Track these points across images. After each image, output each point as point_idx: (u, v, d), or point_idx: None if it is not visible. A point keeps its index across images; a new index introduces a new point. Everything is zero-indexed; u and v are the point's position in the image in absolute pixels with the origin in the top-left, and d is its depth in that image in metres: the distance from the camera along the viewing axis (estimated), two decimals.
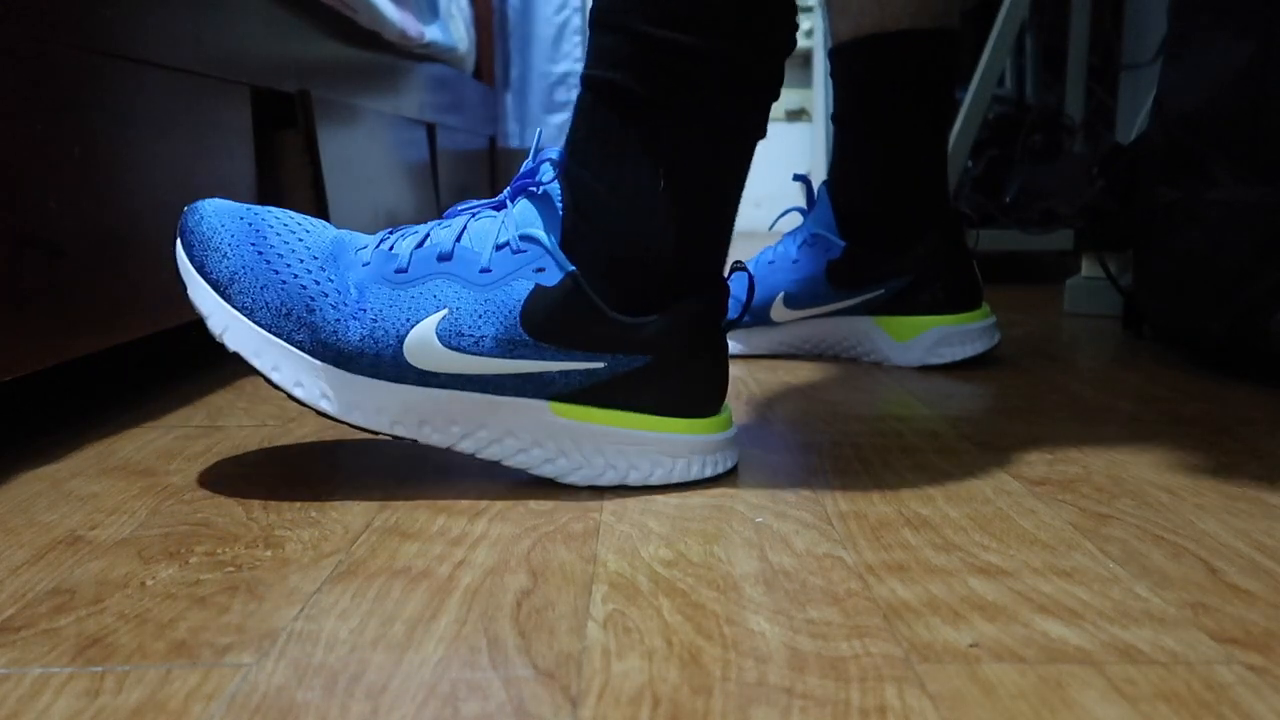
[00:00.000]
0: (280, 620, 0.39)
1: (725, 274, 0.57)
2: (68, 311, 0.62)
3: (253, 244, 0.53)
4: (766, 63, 0.54)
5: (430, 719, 0.32)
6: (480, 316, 0.52)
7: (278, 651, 0.36)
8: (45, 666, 0.35)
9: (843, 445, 0.63)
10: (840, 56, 0.90)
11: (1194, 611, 0.39)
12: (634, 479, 0.54)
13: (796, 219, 0.95)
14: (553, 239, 0.52)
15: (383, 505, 0.52)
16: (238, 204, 0.55)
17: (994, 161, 1.71)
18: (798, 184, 0.97)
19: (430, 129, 1.61)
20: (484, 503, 0.52)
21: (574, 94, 2.81)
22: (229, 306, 0.52)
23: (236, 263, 0.52)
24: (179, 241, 0.54)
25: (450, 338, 0.52)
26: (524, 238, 0.52)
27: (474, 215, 0.55)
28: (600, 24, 0.54)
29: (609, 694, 0.33)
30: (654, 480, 0.54)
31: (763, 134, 0.56)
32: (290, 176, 1.02)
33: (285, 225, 0.54)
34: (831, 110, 0.93)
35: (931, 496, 0.53)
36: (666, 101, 0.52)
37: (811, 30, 2.79)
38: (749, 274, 0.58)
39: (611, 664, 0.35)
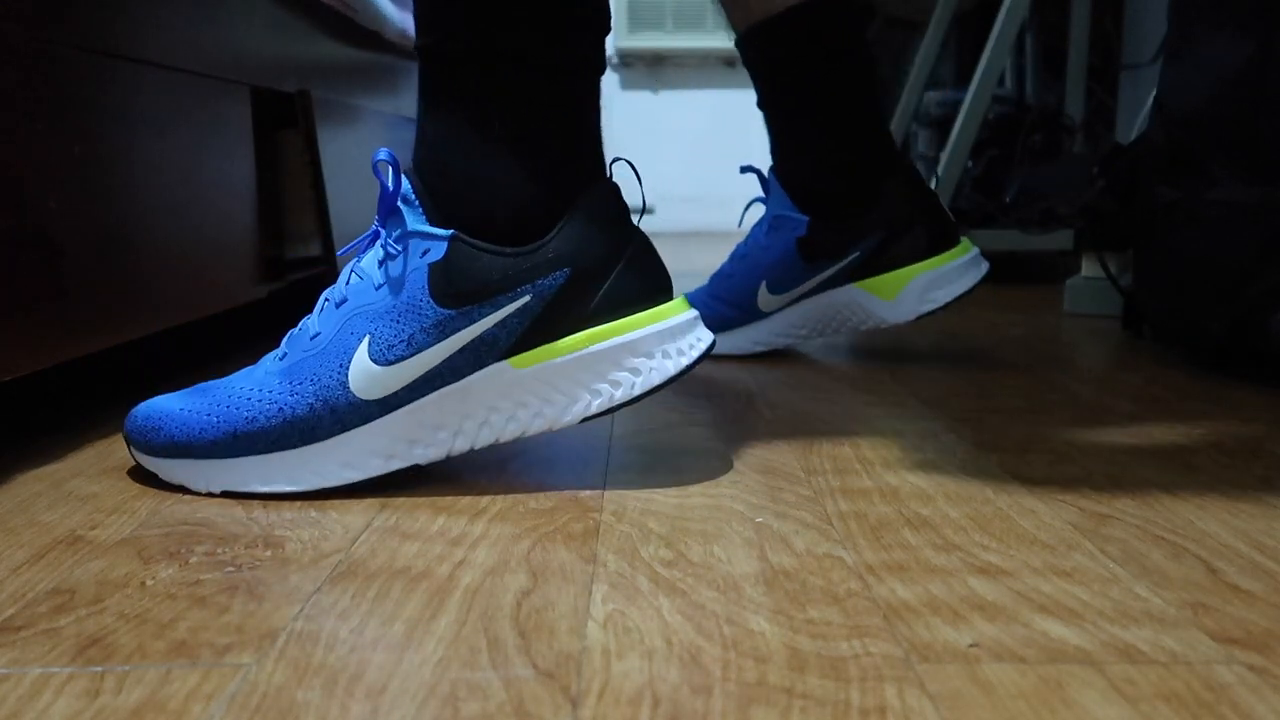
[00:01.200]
0: (280, 620, 0.39)
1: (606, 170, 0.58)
2: (68, 311, 0.62)
3: (180, 409, 0.55)
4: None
5: (430, 719, 0.32)
6: (397, 322, 0.53)
7: (278, 651, 0.36)
8: (45, 666, 0.35)
9: (843, 445, 0.63)
10: (744, 46, 0.90)
11: (1194, 611, 0.39)
12: (620, 396, 0.54)
13: (760, 210, 0.95)
14: (423, 220, 0.53)
15: (383, 505, 0.52)
16: (166, 395, 0.57)
17: (994, 161, 1.71)
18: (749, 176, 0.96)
19: None
20: (484, 502, 0.52)
21: None
22: (191, 461, 0.54)
23: (171, 428, 0.54)
24: (129, 448, 0.57)
25: (383, 353, 0.53)
26: (397, 238, 0.54)
27: (358, 259, 0.56)
28: None
29: (609, 694, 0.33)
30: (638, 389, 0.54)
31: (599, 66, 0.57)
32: (290, 176, 1.02)
33: (204, 387, 0.57)
34: (756, 100, 0.93)
35: (931, 496, 0.53)
36: (490, 50, 0.53)
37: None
38: (631, 165, 0.58)
39: (611, 664, 0.35)
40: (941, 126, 1.81)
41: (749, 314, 0.92)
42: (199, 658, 0.36)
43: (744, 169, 0.95)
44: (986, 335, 1.08)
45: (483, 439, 0.54)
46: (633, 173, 0.59)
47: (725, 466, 0.58)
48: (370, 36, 1.27)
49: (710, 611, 0.39)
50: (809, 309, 0.91)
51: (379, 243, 0.55)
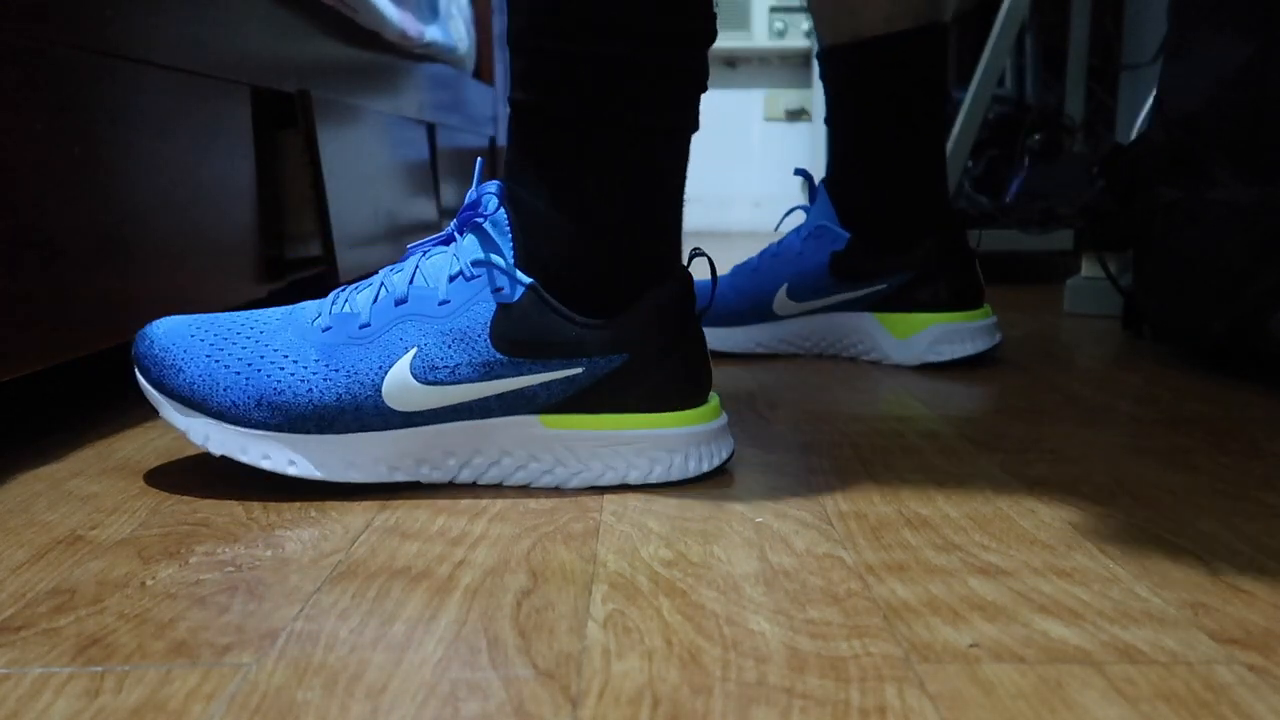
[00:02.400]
0: (280, 620, 0.39)
1: (686, 262, 0.58)
2: (68, 311, 0.62)
3: (206, 355, 0.53)
4: (685, 58, 0.54)
5: (430, 719, 0.32)
6: (449, 346, 0.52)
7: (278, 651, 0.36)
8: (45, 666, 0.35)
9: (843, 445, 0.63)
10: (825, 62, 0.91)
11: (1194, 611, 0.39)
12: (634, 478, 0.54)
13: (801, 218, 0.95)
14: (507, 259, 0.53)
15: (383, 505, 0.52)
16: (186, 317, 0.56)
17: (994, 161, 1.71)
18: (800, 182, 0.97)
19: (430, 129, 1.61)
20: (484, 503, 0.52)
21: None
22: (201, 416, 0.53)
23: (193, 373, 0.53)
24: (135, 368, 0.55)
25: (425, 373, 0.52)
26: (476, 263, 0.53)
27: (425, 254, 0.55)
28: (517, 48, 0.54)
29: (609, 694, 0.33)
30: (654, 478, 0.54)
31: (695, 127, 0.56)
32: (290, 176, 1.02)
33: (234, 326, 0.55)
34: (825, 114, 0.93)
35: (931, 496, 0.53)
36: (589, 114, 0.53)
37: (810, 30, 2.79)
38: (708, 258, 0.58)
39: (611, 664, 0.35)
40: None
41: (760, 313, 0.93)
42: (199, 658, 0.36)
43: (797, 171, 0.97)
44: None
45: (489, 477, 0.54)
46: (709, 264, 0.59)
47: (725, 467, 0.58)
48: (370, 36, 1.27)
49: (710, 611, 0.39)
50: (820, 323, 0.92)
51: (453, 251, 0.54)
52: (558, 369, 0.53)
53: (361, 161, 1.18)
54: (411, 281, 0.54)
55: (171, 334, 0.55)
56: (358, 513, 0.51)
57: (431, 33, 1.53)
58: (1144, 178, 0.94)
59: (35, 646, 0.37)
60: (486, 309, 0.53)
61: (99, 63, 0.67)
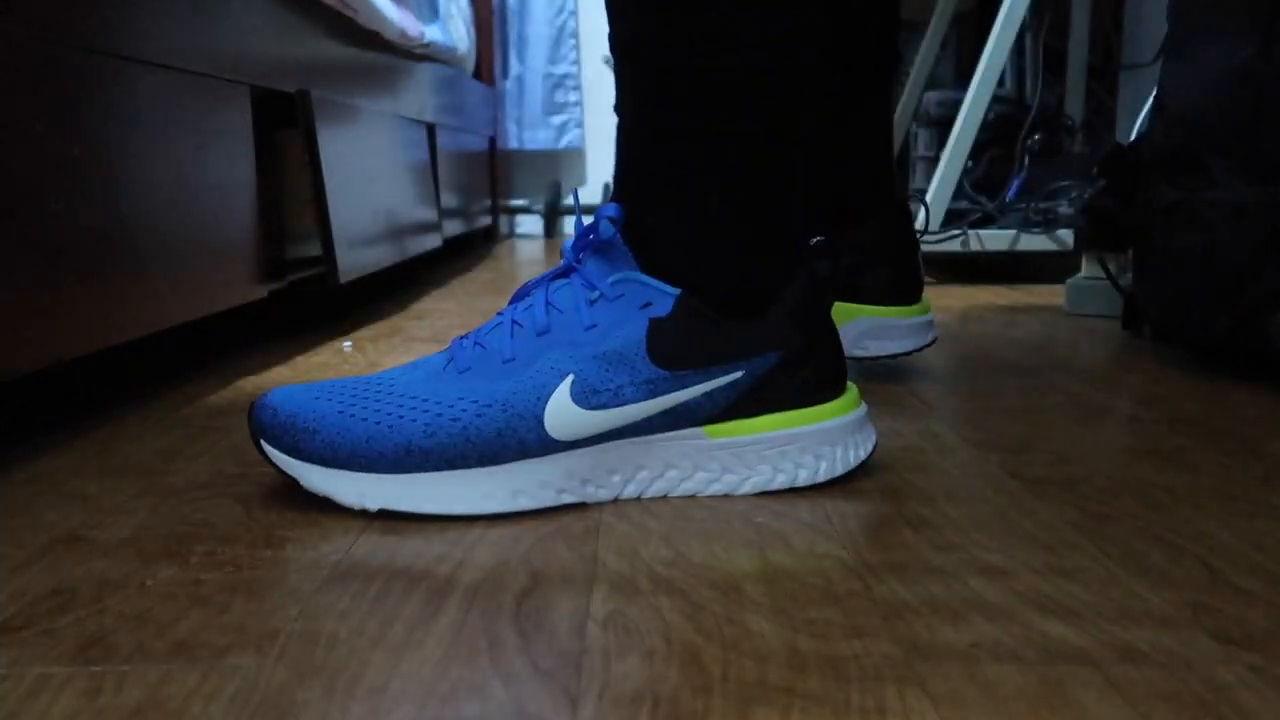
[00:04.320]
0: (280, 620, 0.39)
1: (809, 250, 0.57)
2: (68, 311, 0.62)
3: (339, 411, 0.51)
4: (801, 57, 0.54)
5: (430, 719, 0.32)
6: (607, 369, 0.51)
7: (278, 651, 0.36)
8: (45, 666, 0.35)
9: None
10: None
11: (1194, 611, 0.39)
12: (803, 478, 0.54)
13: None
14: (640, 272, 0.52)
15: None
16: (297, 386, 0.54)
17: (994, 161, 1.71)
18: None
19: (430, 129, 1.61)
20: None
21: (574, 95, 2.82)
22: (347, 473, 0.51)
23: (331, 432, 0.51)
24: (261, 441, 0.52)
25: (586, 398, 0.51)
26: (616, 283, 0.52)
27: (545, 288, 0.54)
28: (625, 56, 0.54)
29: (609, 694, 0.33)
30: (821, 476, 0.54)
31: (809, 121, 0.56)
32: (290, 176, 1.02)
33: (356, 386, 0.53)
34: None
35: (931, 496, 0.53)
36: (700, 124, 0.52)
37: None
38: (830, 244, 0.57)
39: (611, 664, 0.35)
40: (941, 126, 1.81)
41: None
42: (199, 658, 0.36)
43: None
44: (987, 335, 1.08)
45: (654, 490, 0.53)
46: (829, 254, 0.57)
47: None
48: (370, 36, 1.27)
49: (710, 611, 0.39)
50: None
51: (579, 281, 0.53)
52: (719, 375, 0.52)
53: (361, 161, 1.18)
54: (548, 312, 0.53)
55: (293, 399, 0.52)
56: (358, 513, 0.51)
57: (431, 33, 1.53)
58: (1144, 178, 0.94)
59: (35, 646, 0.37)
60: (639, 327, 0.51)
61: (99, 63, 0.67)
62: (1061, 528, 0.48)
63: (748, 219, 0.54)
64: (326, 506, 0.52)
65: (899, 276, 0.83)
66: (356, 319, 1.17)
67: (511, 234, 2.89)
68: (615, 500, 0.53)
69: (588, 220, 0.51)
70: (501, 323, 0.54)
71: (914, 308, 0.84)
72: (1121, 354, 0.96)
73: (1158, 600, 0.40)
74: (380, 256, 1.22)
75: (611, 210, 0.53)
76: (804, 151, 0.57)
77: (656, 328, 0.51)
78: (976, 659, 0.35)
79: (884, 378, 0.85)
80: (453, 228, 1.79)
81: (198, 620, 0.39)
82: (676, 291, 0.52)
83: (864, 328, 0.83)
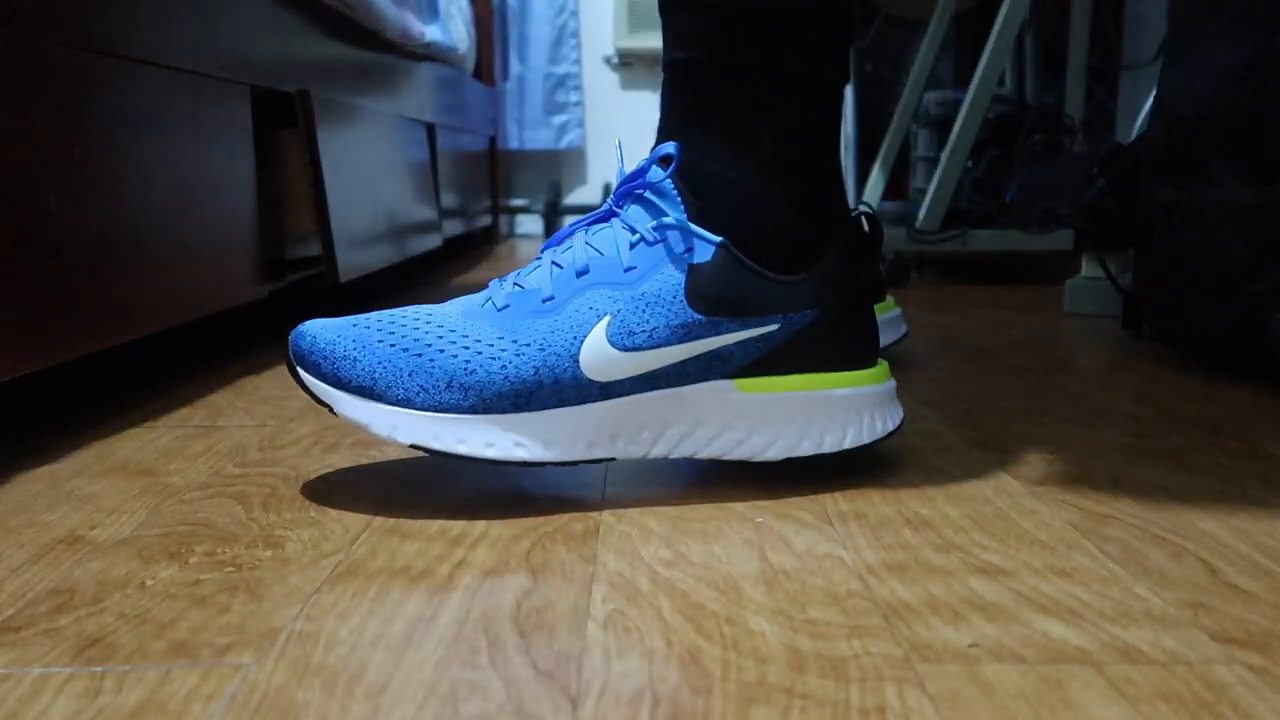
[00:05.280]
0: (280, 620, 0.39)
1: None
2: (68, 311, 0.62)
3: (379, 340, 0.51)
4: (839, 6, 0.55)
5: (430, 719, 0.32)
6: (644, 310, 0.51)
7: (278, 651, 0.36)
8: (45, 666, 0.35)
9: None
10: None
11: (1194, 611, 0.39)
12: (829, 445, 0.54)
13: None
14: (684, 218, 0.52)
15: (383, 505, 0.52)
16: (338, 318, 0.54)
17: (994, 161, 1.71)
18: None
19: (430, 129, 1.61)
20: (484, 502, 0.52)
21: (574, 95, 2.82)
22: (383, 405, 0.50)
23: (372, 361, 0.51)
24: (299, 369, 0.52)
25: (623, 339, 0.51)
26: (658, 227, 0.52)
27: (586, 230, 0.55)
28: (674, 6, 0.55)
29: (609, 694, 0.33)
30: (848, 444, 0.54)
31: (847, 77, 0.57)
32: (290, 176, 1.03)
33: (397, 316, 0.53)
34: None
35: (931, 496, 0.53)
36: (756, 66, 0.53)
37: None
38: (873, 213, 0.57)
39: (611, 664, 0.35)
40: (941, 126, 1.81)
41: None
42: (199, 658, 0.36)
43: None
44: (986, 335, 1.08)
45: (682, 449, 0.53)
46: (869, 222, 0.57)
47: (725, 466, 0.58)
48: (370, 36, 1.27)
49: (710, 611, 0.39)
50: None
51: (620, 225, 0.53)
52: (755, 326, 0.52)
53: (361, 161, 1.18)
54: (587, 253, 0.53)
55: (333, 327, 0.52)
56: (358, 513, 0.51)
57: (432, 32, 1.53)
58: (1144, 178, 0.94)
59: (35, 646, 0.37)
60: (678, 270, 0.52)
61: (99, 63, 0.67)
62: (1061, 528, 0.48)
63: (798, 170, 0.55)
64: (326, 506, 0.52)
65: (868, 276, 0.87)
66: None
67: (511, 234, 2.89)
68: (644, 457, 0.53)
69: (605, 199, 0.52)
70: (540, 264, 0.54)
71: (881, 305, 0.89)
72: (1121, 354, 0.96)
73: (1158, 600, 0.40)
74: (380, 256, 1.22)
75: (671, 148, 0.53)
76: (840, 109, 0.57)
77: (696, 273, 0.52)
78: (976, 659, 0.35)
79: None
80: (453, 228, 1.79)
81: (198, 620, 0.39)
82: (719, 239, 0.52)
83: None
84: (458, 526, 0.49)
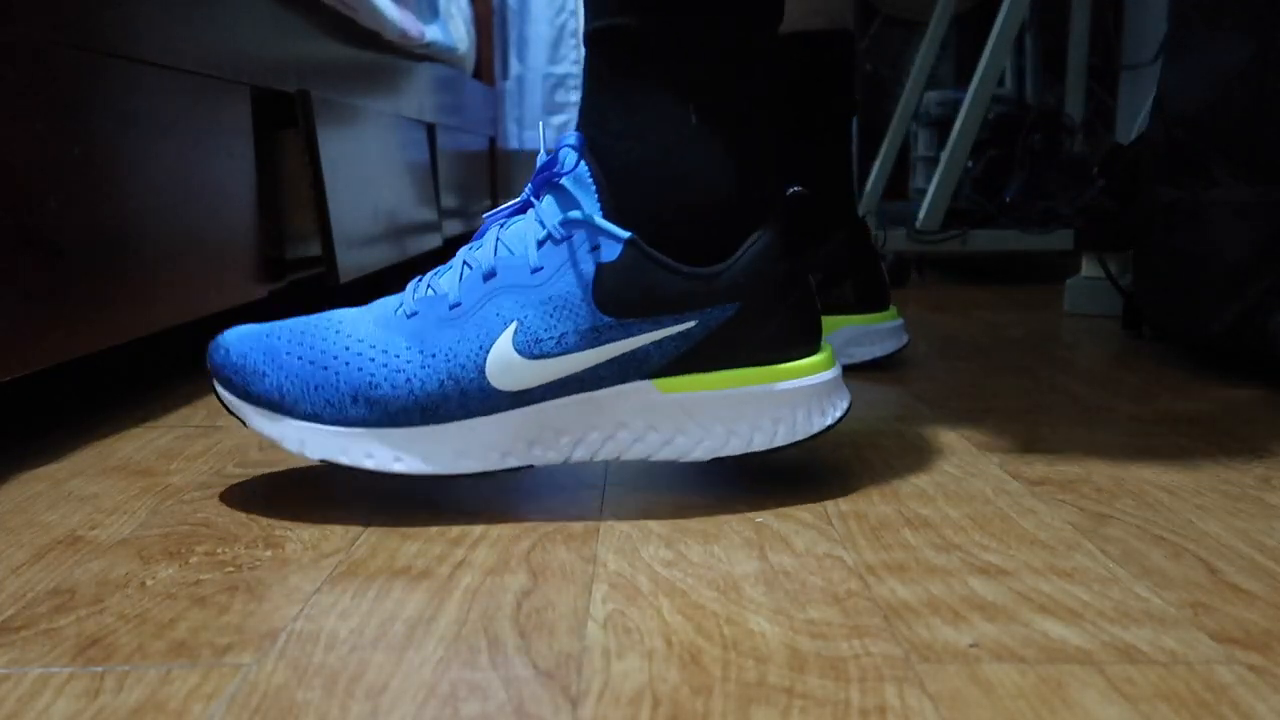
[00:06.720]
0: (280, 620, 0.39)
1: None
2: (68, 311, 0.62)
3: (287, 353, 0.51)
4: None
5: (430, 719, 0.32)
6: (551, 316, 0.49)
7: (278, 651, 0.36)
8: (45, 666, 0.35)
9: (842, 445, 0.63)
10: None
11: (1194, 611, 0.39)
12: (759, 443, 0.52)
13: None
14: (597, 214, 0.50)
15: (383, 505, 0.52)
16: (258, 325, 0.54)
17: (994, 161, 1.71)
18: None
19: (430, 129, 1.61)
20: (484, 503, 0.52)
21: (574, 95, 2.82)
22: (292, 420, 0.50)
23: (280, 376, 0.50)
24: (214, 380, 0.52)
25: (529, 346, 0.49)
26: (565, 223, 0.50)
27: (501, 225, 0.53)
28: None
29: (609, 694, 0.33)
30: (779, 440, 0.52)
31: (777, 44, 0.54)
32: (290, 176, 1.02)
33: (310, 324, 0.52)
34: None
35: (931, 496, 0.53)
36: (673, 33, 0.50)
37: None
38: (809, 195, 0.55)
39: (611, 664, 0.35)
40: (941, 126, 1.81)
41: None
42: (199, 658, 0.36)
43: None
44: (986, 335, 1.08)
45: (605, 453, 0.52)
46: (805, 206, 0.54)
47: (725, 466, 0.58)
48: (370, 36, 1.27)
49: (710, 611, 0.39)
50: None
51: (533, 217, 0.51)
52: (669, 325, 0.50)
53: (361, 161, 1.18)
54: (496, 253, 0.51)
55: (247, 339, 0.52)
56: (358, 513, 0.51)
57: (431, 33, 1.53)
58: (1144, 178, 0.94)
59: (35, 646, 0.37)
60: (585, 271, 0.49)
61: (99, 63, 0.67)
62: (1061, 528, 0.48)
63: (728, 148, 0.51)
64: (326, 506, 0.52)
65: (868, 286, 0.89)
66: None
67: None
68: (565, 463, 0.52)
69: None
70: (453, 265, 0.53)
71: (887, 313, 0.89)
72: (1121, 354, 0.96)
73: (1158, 600, 0.40)
74: (380, 256, 1.22)
75: (571, 139, 0.51)
76: (767, 86, 0.54)
77: (604, 272, 0.49)
78: (976, 659, 0.35)
79: (883, 379, 0.85)
80: (453, 228, 1.79)
81: (198, 620, 0.39)
82: (627, 235, 0.49)
83: (848, 336, 0.88)
84: (458, 526, 0.49)
